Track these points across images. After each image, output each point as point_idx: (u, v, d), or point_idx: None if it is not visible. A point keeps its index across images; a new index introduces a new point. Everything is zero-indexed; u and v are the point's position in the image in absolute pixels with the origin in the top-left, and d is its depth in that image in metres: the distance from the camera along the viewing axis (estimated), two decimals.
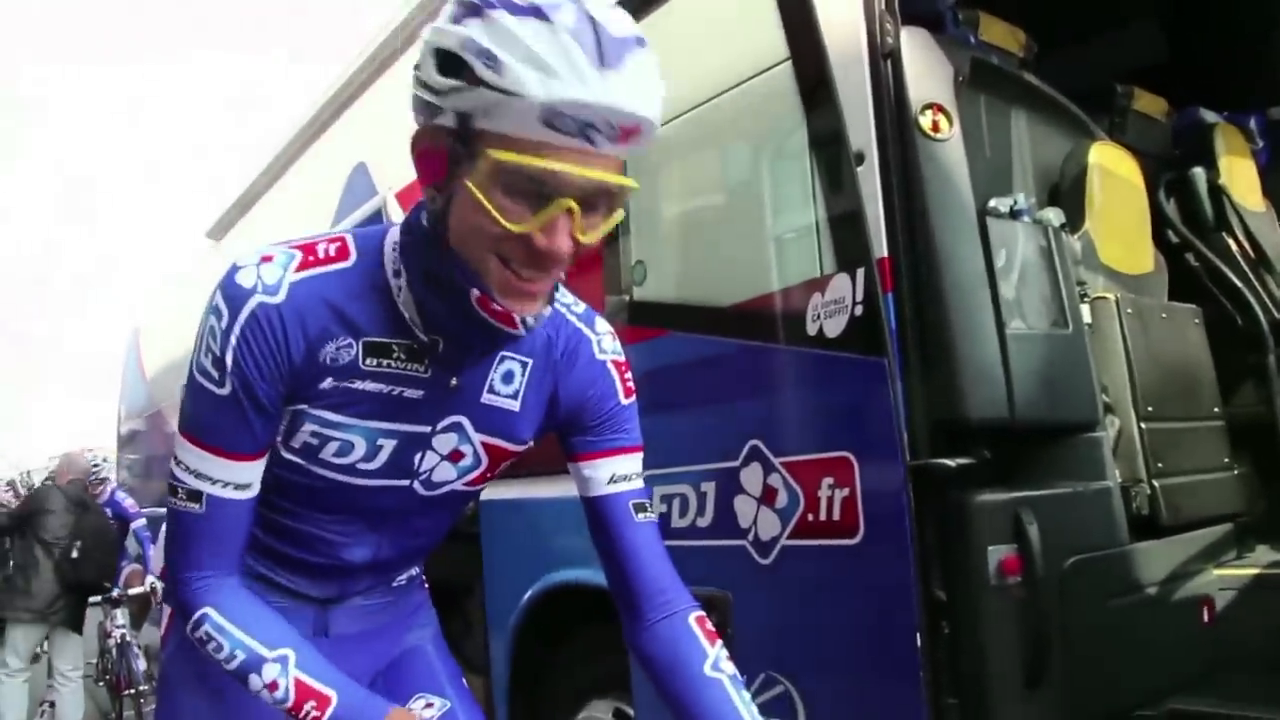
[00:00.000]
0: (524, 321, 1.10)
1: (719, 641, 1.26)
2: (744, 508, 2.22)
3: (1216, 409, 2.82)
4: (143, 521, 7.02)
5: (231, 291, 1.12)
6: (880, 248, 2.01)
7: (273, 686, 1.14)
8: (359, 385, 1.18)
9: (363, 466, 1.23)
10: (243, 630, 1.17)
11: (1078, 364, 2.26)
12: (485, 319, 1.09)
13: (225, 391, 1.12)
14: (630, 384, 1.34)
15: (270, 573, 1.35)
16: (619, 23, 0.98)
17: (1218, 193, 3.42)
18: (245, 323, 1.11)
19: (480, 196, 1.00)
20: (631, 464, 1.32)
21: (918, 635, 1.89)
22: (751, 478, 2.19)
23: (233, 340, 1.11)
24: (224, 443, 1.15)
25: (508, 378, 1.26)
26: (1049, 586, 1.97)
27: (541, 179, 0.98)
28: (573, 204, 1.00)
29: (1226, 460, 2.77)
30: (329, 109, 5.29)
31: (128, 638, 6.34)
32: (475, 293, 1.07)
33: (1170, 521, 2.41)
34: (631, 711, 2.67)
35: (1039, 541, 1.96)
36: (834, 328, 2.01)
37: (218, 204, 7.80)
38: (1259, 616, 2.44)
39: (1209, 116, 3.62)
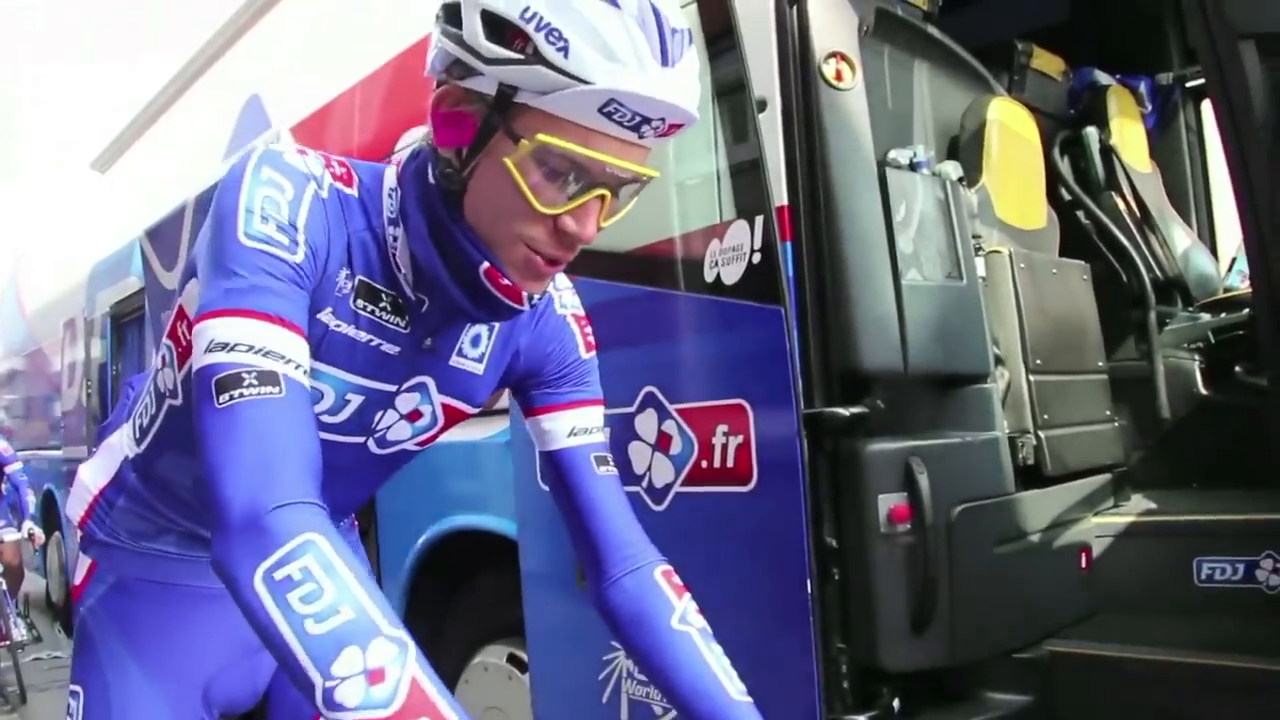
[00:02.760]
0: (529, 298, 1.08)
1: (686, 595, 1.22)
2: (638, 454, 2.21)
3: (1100, 363, 2.91)
4: (19, 465, 6.65)
5: (284, 168, 1.02)
6: (780, 196, 2.01)
7: (376, 675, 0.82)
8: (344, 328, 1.11)
9: (326, 419, 1.17)
10: (358, 582, 0.87)
11: (971, 316, 2.30)
12: (491, 292, 1.06)
13: (298, 257, 0.99)
14: (591, 339, 1.31)
15: (202, 529, 1.28)
16: (675, 13, 0.96)
17: (1109, 153, 3.53)
18: (311, 200, 1.03)
19: (517, 176, 0.97)
20: (592, 417, 1.29)
21: (809, 582, 1.91)
22: (646, 424, 2.18)
23: (303, 209, 1.01)
24: (291, 315, 0.98)
25: (476, 341, 1.23)
26: (937, 534, 2.02)
27: (585, 166, 0.96)
28: (606, 193, 0.99)
29: (1108, 413, 2.87)
30: (222, 37, 5.09)
31: (2, 586, 6.10)
32: (485, 265, 1.04)
33: (1054, 471, 2.49)
34: (525, 657, 2.67)
35: (928, 490, 2.00)
36: (731, 275, 2.00)
37: (104, 134, 7.51)
38: (1132, 562, 2.54)
39: (1103, 78, 3.72)
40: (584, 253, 2.46)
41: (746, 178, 2.02)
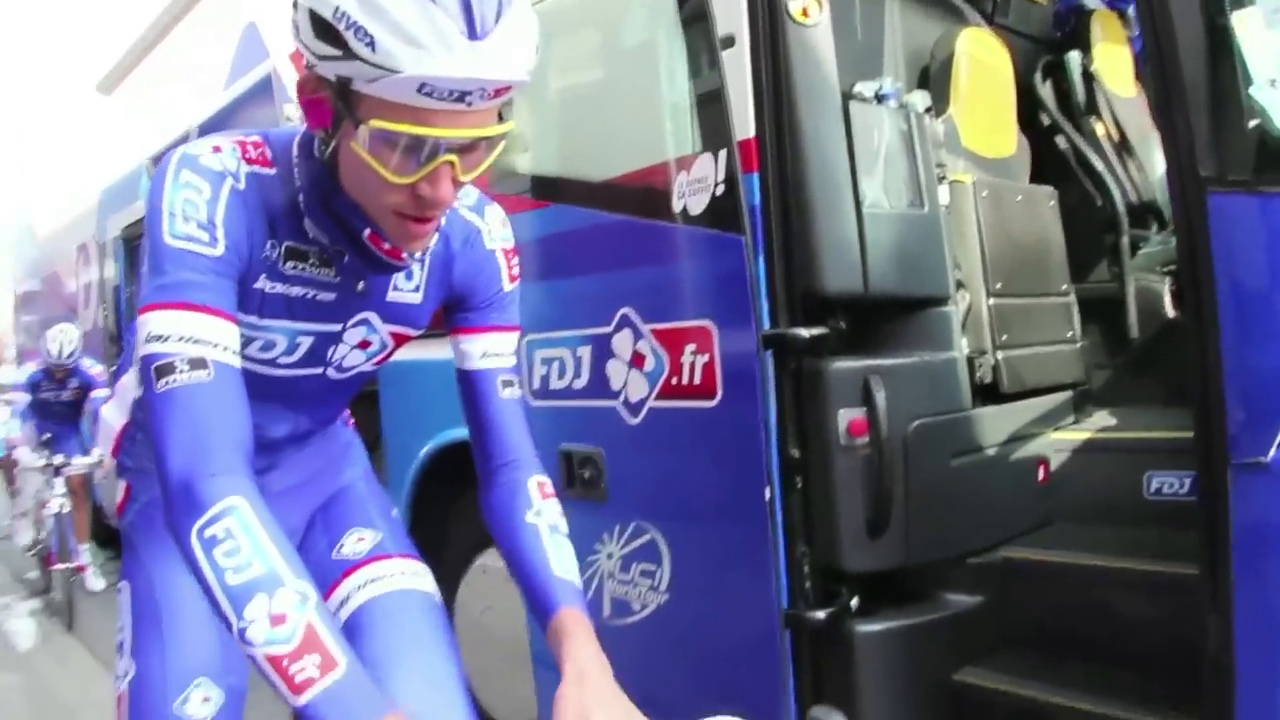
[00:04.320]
0: (413, 256, 1.23)
1: (553, 500, 1.35)
2: (615, 371, 2.35)
3: (1064, 286, 3.01)
4: (105, 392, 6.68)
5: (200, 170, 1.15)
6: (746, 129, 2.10)
7: (278, 619, 1.00)
8: (279, 288, 1.25)
9: (283, 360, 1.33)
10: (270, 541, 1.04)
11: (931, 242, 2.40)
12: (375, 254, 1.21)
13: (218, 251, 1.13)
14: (515, 270, 1.42)
15: None
16: None
17: (1090, 78, 3.58)
18: (228, 197, 1.15)
19: (365, 156, 1.06)
20: (505, 343, 1.41)
21: (766, 489, 2.06)
22: (622, 343, 2.32)
23: (220, 207, 1.14)
24: (216, 303, 1.13)
25: (409, 275, 1.35)
26: (892, 447, 2.14)
27: (423, 140, 1.05)
28: (451, 158, 1.07)
29: (1070, 334, 2.98)
30: None
31: (64, 509, 6.00)
32: (367, 232, 1.19)
33: (1011, 389, 2.61)
34: None
35: (885, 405, 2.11)
36: (697, 205, 2.12)
37: (107, 55, 7.54)
38: (1089, 475, 2.66)
39: (1089, 2, 3.75)
40: (566, 181, 2.57)
41: (712, 113, 2.12)
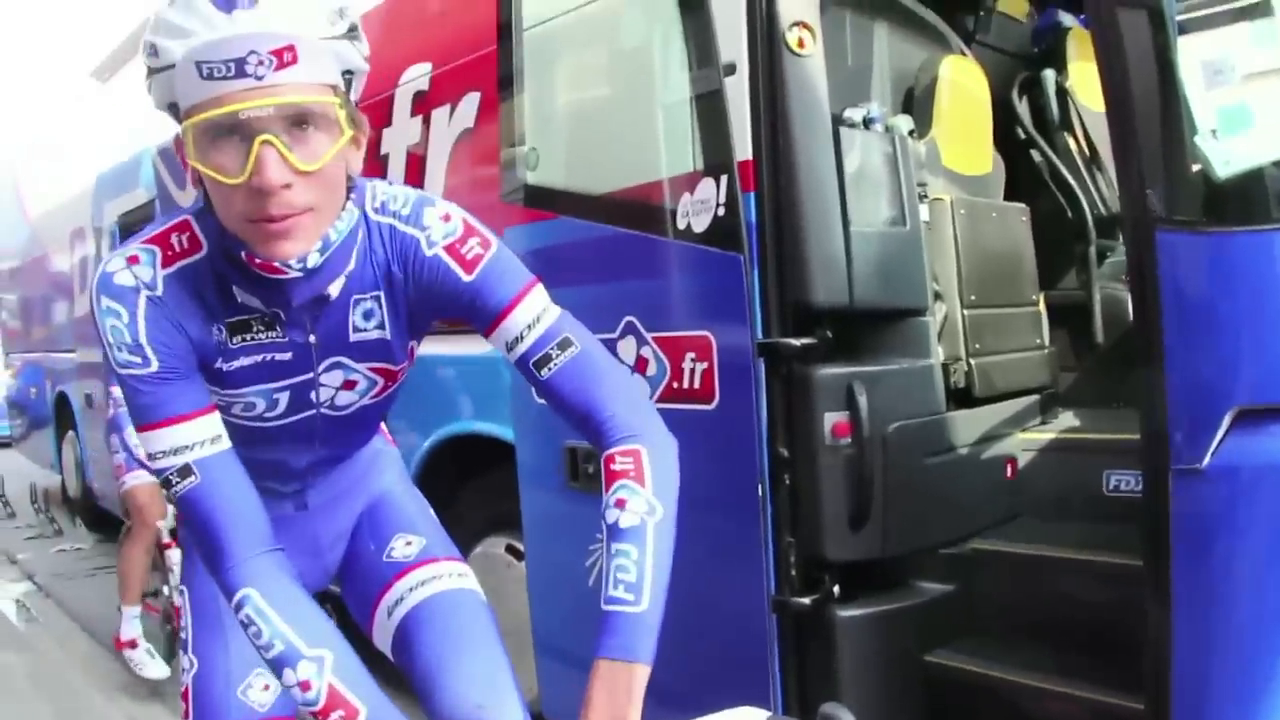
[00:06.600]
0: (290, 265, 1.15)
1: (617, 481, 1.24)
2: None
3: (1034, 296, 3.20)
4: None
5: (118, 292, 1.19)
6: (745, 152, 2.26)
7: (305, 686, 1.15)
8: (236, 362, 1.29)
9: (269, 415, 1.37)
10: (283, 619, 1.18)
11: (912, 258, 2.56)
12: (262, 276, 1.17)
13: (155, 367, 1.19)
14: (470, 255, 1.27)
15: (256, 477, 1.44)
16: None
17: (1064, 95, 3.77)
18: (145, 311, 1.19)
19: (198, 164, 1.09)
20: (515, 325, 1.28)
21: (759, 486, 2.24)
22: (627, 349, 2.48)
23: (140, 325, 1.19)
24: (177, 408, 1.21)
25: (368, 315, 1.32)
26: (873, 447, 2.31)
27: (226, 125, 1.07)
28: (267, 138, 1.06)
29: (1039, 341, 3.18)
30: None
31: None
32: (244, 253, 1.16)
33: (982, 393, 2.79)
34: (521, 547, 3.02)
35: (867, 409, 2.28)
36: (700, 224, 2.29)
37: (103, 42, 7.56)
38: (1053, 473, 2.84)
39: (1066, 20, 3.92)
40: (576, 196, 2.73)
41: (715, 138, 2.28)
